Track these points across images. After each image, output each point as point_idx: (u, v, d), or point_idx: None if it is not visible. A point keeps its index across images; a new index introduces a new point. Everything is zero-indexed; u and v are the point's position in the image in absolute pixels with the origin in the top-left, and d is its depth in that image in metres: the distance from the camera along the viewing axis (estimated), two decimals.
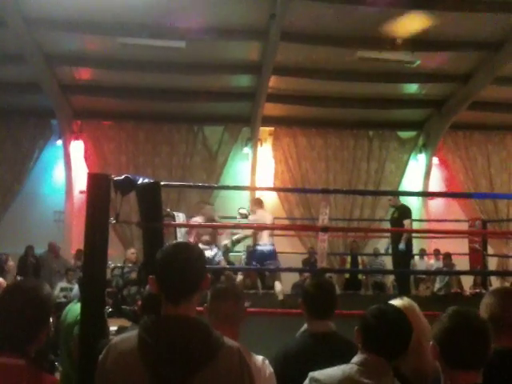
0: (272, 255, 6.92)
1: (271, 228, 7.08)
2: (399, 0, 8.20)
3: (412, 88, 11.30)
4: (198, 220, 7.11)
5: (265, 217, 7.14)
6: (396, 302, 2.43)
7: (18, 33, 8.76)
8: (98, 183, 3.81)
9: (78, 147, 11.68)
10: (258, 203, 7.24)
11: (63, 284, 9.05)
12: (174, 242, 1.94)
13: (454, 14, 8.57)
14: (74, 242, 10.70)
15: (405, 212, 8.09)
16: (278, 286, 6.97)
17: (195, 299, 1.78)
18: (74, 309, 4.12)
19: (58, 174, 11.80)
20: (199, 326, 1.73)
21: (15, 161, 11.71)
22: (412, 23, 8.85)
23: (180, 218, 7.18)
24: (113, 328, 3.34)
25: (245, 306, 2.46)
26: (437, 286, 9.43)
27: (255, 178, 11.94)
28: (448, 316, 1.90)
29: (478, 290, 9.00)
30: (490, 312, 2.15)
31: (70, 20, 8.66)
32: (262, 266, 6.89)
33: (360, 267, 10.87)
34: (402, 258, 7.91)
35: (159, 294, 1.78)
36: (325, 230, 5.50)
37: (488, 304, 2.20)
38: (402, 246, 7.78)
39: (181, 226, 6.43)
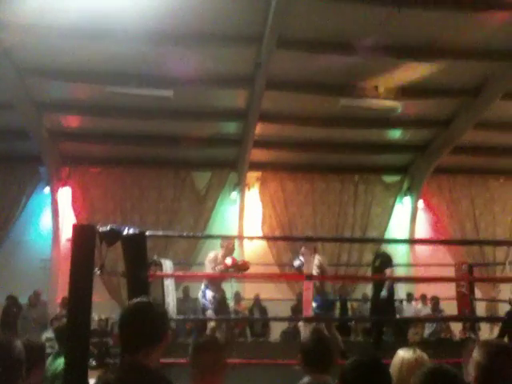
0: None
1: (256, 276, 7.01)
2: (381, 50, 8.45)
3: (395, 133, 11.53)
4: (211, 255, 7.02)
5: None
6: (406, 353, 2.43)
7: (7, 81, 8.89)
8: (83, 234, 3.83)
9: (65, 194, 11.70)
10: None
11: (48, 334, 8.87)
12: (139, 299, 2.12)
13: (434, 63, 8.87)
14: (60, 289, 10.56)
15: (386, 261, 8.10)
16: None
17: (153, 352, 1.95)
18: (56, 361, 4.07)
19: (45, 221, 11.75)
20: (152, 373, 1.91)
21: (2, 207, 11.67)
22: (394, 72, 9.12)
23: (167, 265, 7.13)
24: (92, 382, 3.29)
25: (224, 357, 2.49)
26: (426, 331, 9.40)
27: (243, 222, 11.98)
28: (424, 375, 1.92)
29: (467, 335, 8.95)
30: (480, 371, 2.17)
31: (60, 69, 8.81)
32: None
33: (349, 312, 10.80)
34: (384, 305, 7.86)
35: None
36: (309, 278, 5.51)
37: (478, 363, 2.21)
38: (384, 293, 7.77)
39: (165, 276, 6.35)
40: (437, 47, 8.50)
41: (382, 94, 9.50)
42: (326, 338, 2.97)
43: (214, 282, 6.94)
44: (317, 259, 6.98)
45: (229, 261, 6.75)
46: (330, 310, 7.12)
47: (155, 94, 9.33)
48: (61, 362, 3.97)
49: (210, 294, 6.92)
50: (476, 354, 2.23)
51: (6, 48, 8.15)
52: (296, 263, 7.29)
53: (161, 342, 1.96)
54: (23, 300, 10.59)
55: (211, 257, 6.93)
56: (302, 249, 7.18)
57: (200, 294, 7.03)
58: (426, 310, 10.59)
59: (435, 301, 10.14)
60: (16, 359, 2.03)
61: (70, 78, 9.05)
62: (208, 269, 6.78)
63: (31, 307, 10.43)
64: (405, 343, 7.05)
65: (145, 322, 1.94)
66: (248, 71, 8.96)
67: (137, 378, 1.87)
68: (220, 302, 7.02)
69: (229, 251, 6.97)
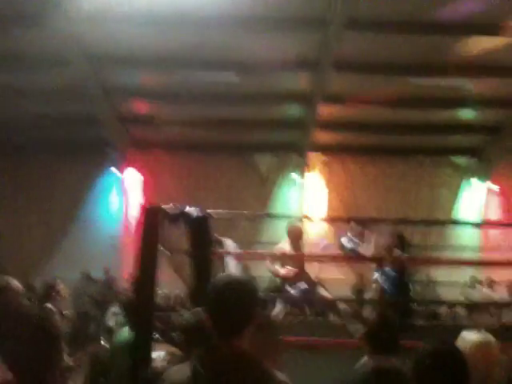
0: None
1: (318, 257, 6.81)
2: (452, 28, 8.11)
3: (467, 114, 11.08)
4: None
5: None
6: (472, 335, 2.35)
7: (79, 69, 9.20)
8: (149, 213, 3.95)
9: (133, 176, 12.10)
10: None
11: (115, 309, 9.23)
12: (225, 276, 1.99)
13: (509, 40, 8.41)
14: (128, 266, 10.97)
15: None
16: None
17: (247, 334, 1.79)
18: (122, 334, 4.24)
19: (114, 201, 12.22)
20: (252, 362, 1.76)
21: (74, 188, 12.21)
22: (464, 49, 8.73)
23: (228, 244, 7.16)
24: (160, 353, 3.39)
25: (280, 339, 2.43)
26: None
27: (306, 205, 11.94)
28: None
29: None
30: None
31: (129, 55, 9.06)
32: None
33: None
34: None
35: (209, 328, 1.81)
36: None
37: None
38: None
39: (228, 254, 6.36)
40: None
41: (454, 73, 9.12)
42: (392, 318, 2.91)
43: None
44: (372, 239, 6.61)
45: (282, 272, 6.44)
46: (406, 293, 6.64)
47: (221, 80, 9.40)
48: (125, 334, 4.12)
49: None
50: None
51: (76, 35, 8.43)
52: (349, 245, 6.84)
53: (254, 321, 1.81)
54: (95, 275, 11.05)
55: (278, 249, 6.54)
56: (359, 230, 6.78)
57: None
58: (498, 295, 10.18)
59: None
60: (55, 335, 1.94)
61: (139, 64, 9.29)
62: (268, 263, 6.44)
63: (101, 283, 10.89)
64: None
65: (242, 301, 1.78)
66: (314, 54, 8.84)
67: (245, 369, 1.72)
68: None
69: (296, 238, 6.55)
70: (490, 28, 8.20)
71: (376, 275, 6.36)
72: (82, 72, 9.32)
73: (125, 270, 11.16)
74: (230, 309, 1.76)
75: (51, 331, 1.92)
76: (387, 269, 6.35)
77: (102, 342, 6.31)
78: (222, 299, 1.77)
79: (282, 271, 6.29)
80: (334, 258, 6.70)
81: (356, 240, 6.71)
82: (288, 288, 6.34)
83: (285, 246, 6.36)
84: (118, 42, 8.66)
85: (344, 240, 6.87)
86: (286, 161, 12.15)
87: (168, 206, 3.93)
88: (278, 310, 6.37)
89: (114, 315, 8.99)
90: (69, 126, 11.18)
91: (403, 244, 7.36)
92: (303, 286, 6.32)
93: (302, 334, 4.89)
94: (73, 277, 10.70)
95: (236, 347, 1.75)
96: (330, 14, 7.78)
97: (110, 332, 4.76)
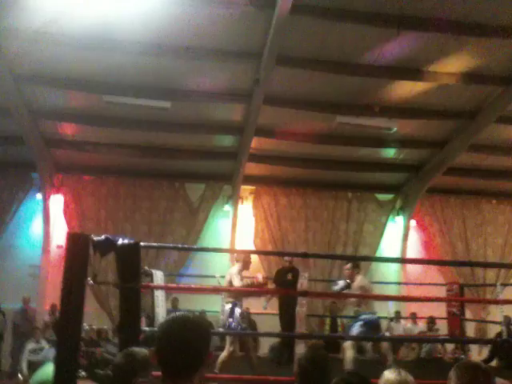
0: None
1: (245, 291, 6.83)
2: (378, 70, 8.54)
3: (390, 152, 11.60)
4: (234, 269, 6.71)
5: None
6: (391, 374, 2.42)
7: (4, 86, 8.87)
8: (77, 242, 3.82)
9: (57, 201, 11.63)
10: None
11: (32, 345, 8.76)
12: (175, 315, 1.79)
13: (431, 85, 8.98)
14: (49, 297, 10.48)
15: (297, 274, 7.82)
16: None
17: (196, 376, 1.69)
18: (44, 371, 4.02)
19: (36, 227, 11.67)
20: None
21: None
22: (390, 92, 9.22)
23: (158, 276, 7.08)
24: None
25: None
26: (423, 349, 9.43)
27: (235, 235, 11.96)
28: None
29: (457, 355, 8.98)
30: None
31: (57, 77, 8.81)
32: None
33: (340, 330, 10.76)
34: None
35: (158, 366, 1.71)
36: (304, 294, 5.49)
37: (449, 378, 2.24)
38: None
39: (158, 287, 6.28)
40: (433, 69, 8.63)
41: (378, 113, 9.57)
42: (323, 357, 2.94)
43: (240, 297, 6.47)
44: (361, 279, 6.77)
45: (260, 277, 6.52)
46: (377, 330, 6.80)
47: (152, 105, 9.33)
48: (49, 371, 3.91)
49: (238, 311, 6.36)
50: (451, 375, 2.25)
51: (3, 54, 8.14)
52: (339, 285, 6.95)
53: (206, 362, 1.70)
54: (9, 306, 10.46)
55: (235, 271, 6.57)
56: (346, 269, 6.95)
57: (225, 311, 6.41)
58: (417, 329, 10.58)
59: (431, 320, 10.19)
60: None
61: (67, 86, 9.05)
62: (236, 282, 6.39)
63: (19, 314, 10.31)
64: (395, 362, 7.00)
65: (196, 342, 1.67)
66: (246, 86, 9.00)
67: None
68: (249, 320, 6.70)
69: (246, 264, 6.67)
70: (411, 73, 8.73)
71: None
72: (7, 90, 8.96)
73: (45, 301, 10.66)
74: (182, 350, 1.64)
75: None
76: None
77: (20, 378, 5.95)
78: (168, 340, 1.66)
79: (260, 276, 6.44)
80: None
81: (348, 281, 6.82)
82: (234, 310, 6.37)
83: (236, 269, 6.47)
84: (46, 63, 8.45)
85: (341, 282, 6.96)
86: (217, 190, 12.15)
87: (100, 238, 3.82)
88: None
89: (31, 352, 8.52)
90: None
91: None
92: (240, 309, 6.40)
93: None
94: None
95: None
96: (261, 49, 8.00)
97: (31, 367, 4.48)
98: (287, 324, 7.89)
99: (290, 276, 8.46)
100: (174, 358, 1.65)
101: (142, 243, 4.35)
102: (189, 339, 1.66)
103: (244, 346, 6.71)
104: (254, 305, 7.60)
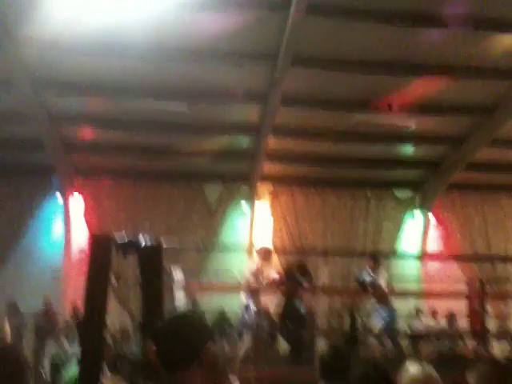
0: None
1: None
2: (394, 67, 8.50)
3: (409, 149, 11.54)
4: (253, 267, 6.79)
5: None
6: (415, 369, 2.41)
7: (24, 93, 9.01)
8: (100, 244, 3.87)
9: (77, 204, 11.77)
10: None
11: (54, 346, 8.87)
12: (174, 311, 1.94)
13: (449, 80, 8.91)
14: (70, 299, 10.60)
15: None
16: None
17: (194, 369, 1.73)
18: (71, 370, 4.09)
19: (57, 230, 11.81)
20: None
21: (15, 216, 11.72)
22: (408, 89, 9.15)
23: (178, 275, 7.12)
24: None
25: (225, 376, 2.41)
26: (444, 346, 9.35)
27: (253, 235, 11.98)
28: None
29: (478, 352, 8.88)
30: None
31: (75, 82, 8.95)
32: None
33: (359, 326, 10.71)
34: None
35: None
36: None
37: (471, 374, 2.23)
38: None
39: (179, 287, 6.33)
40: (451, 65, 8.55)
41: (396, 111, 9.52)
42: (345, 352, 2.96)
43: (256, 295, 6.74)
44: (382, 274, 6.91)
45: (276, 276, 6.66)
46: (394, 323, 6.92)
47: (169, 109, 9.41)
48: (73, 372, 3.97)
49: (253, 308, 6.65)
50: (473, 372, 2.24)
51: (22, 61, 8.28)
52: (367, 279, 7.04)
53: (201, 357, 1.74)
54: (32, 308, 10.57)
55: (254, 268, 6.74)
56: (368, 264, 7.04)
57: (243, 309, 6.72)
58: (439, 326, 10.48)
59: (452, 316, 10.08)
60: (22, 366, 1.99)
61: (85, 91, 9.18)
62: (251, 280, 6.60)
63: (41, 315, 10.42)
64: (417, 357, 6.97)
65: (187, 336, 1.75)
66: (262, 87, 9.03)
67: None
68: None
69: (265, 257, 6.84)
70: (429, 69, 8.67)
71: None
72: (27, 97, 9.11)
73: (67, 304, 10.77)
74: (173, 343, 1.74)
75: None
76: None
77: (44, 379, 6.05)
78: (167, 333, 1.78)
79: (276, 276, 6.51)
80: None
81: (373, 274, 6.91)
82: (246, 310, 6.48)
83: (256, 264, 6.59)
84: (65, 69, 8.56)
85: (363, 274, 7.04)
86: (234, 190, 12.18)
87: (118, 235, 3.87)
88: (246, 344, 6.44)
89: (55, 351, 8.64)
90: (11, 150, 10.81)
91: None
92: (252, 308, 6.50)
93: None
94: None
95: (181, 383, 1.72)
96: (277, 50, 8.01)
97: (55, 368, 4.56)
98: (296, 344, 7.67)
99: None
100: (168, 350, 1.75)
101: (163, 244, 4.39)
102: (181, 332, 1.76)
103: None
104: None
